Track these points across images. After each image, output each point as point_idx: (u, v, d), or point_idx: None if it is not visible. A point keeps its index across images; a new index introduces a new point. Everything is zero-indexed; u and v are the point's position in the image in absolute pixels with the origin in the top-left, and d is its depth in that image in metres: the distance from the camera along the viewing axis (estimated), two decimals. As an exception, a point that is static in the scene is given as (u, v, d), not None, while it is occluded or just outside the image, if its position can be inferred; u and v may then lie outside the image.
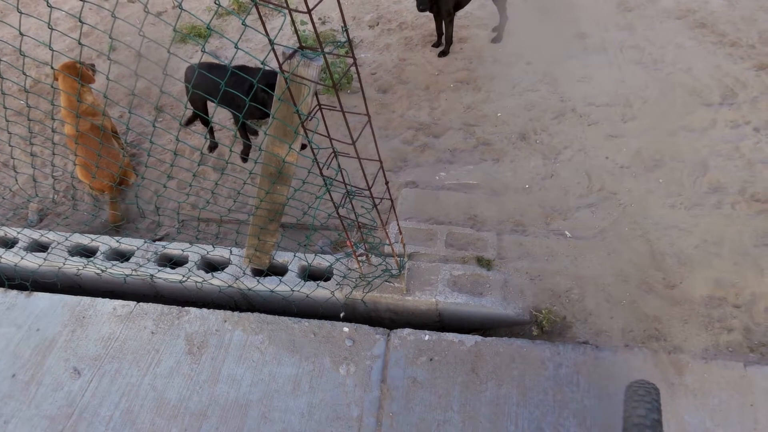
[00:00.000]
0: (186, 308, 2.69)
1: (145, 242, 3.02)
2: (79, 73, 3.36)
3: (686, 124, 3.43)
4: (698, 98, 3.60)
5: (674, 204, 2.97)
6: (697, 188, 3.04)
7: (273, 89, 1.93)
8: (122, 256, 3.01)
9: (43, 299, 2.82)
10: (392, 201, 2.27)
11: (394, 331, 2.48)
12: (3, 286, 2.92)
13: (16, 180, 3.32)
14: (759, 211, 2.86)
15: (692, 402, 2.12)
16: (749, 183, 3.00)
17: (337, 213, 2.19)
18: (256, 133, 3.91)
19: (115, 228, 3.46)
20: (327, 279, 2.71)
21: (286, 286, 2.66)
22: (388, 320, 2.77)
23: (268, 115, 3.12)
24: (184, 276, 2.78)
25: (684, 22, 4.27)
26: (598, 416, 2.13)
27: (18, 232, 3.15)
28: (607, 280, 2.64)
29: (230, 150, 2.19)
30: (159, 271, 2.83)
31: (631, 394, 1.69)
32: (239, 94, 2.10)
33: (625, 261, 2.71)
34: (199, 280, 2.77)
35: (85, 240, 3.06)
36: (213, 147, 3.83)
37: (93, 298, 2.79)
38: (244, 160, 3.74)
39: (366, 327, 2.51)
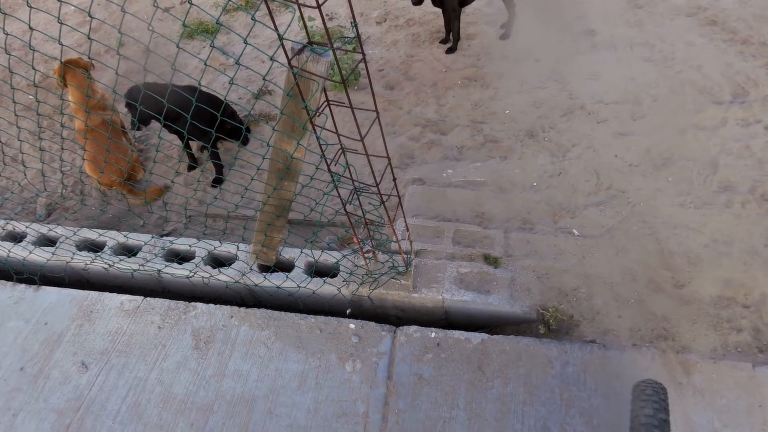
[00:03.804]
0: (193, 303, 2.70)
1: (152, 237, 3.03)
2: (89, 68, 3.37)
3: (696, 122, 3.40)
4: (709, 96, 3.57)
5: (683, 203, 2.94)
6: (707, 187, 3.01)
7: None
8: (130, 251, 3.02)
9: (51, 293, 2.83)
10: (399, 198, 2.27)
11: (401, 328, 2.48)
12: (11, 280, 2.94)
13: (25, 174, 3.34)
14: (770, 210, 2.84)
15: (700, 402, 2.11)
16: (760, 182, 2.97)
17: (345, 209, 2.19)
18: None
19: (149, 206, 3.53)
20: (333, 275, 2.71)
21: (293, 282, 2.66)
22: (394, 317, 2.77)
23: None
24: (191, 271, 2.79)
25: (695, 20, 4.23)
26: (605, 415, 2.12)
27: (26, 227, 3.17)
28: (615, 279, 2.62)
29: (238, 146, 2.19)
30: (166, 266, 2.84)
31: (638, 394, 1.67)
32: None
33: (634, 260, 2.69)
34: (206, 275, 2.78)
35: (93, 235, 3.08)
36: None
37: (100, 293, 2.80)
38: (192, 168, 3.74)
39: (372, 324, 2.51)
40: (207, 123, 3.02)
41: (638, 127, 3.45)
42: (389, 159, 2.04)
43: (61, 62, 2.46)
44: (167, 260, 2.90)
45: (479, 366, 2.30)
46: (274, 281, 2.70)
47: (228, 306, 2.67)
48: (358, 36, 1.53)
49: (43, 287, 2.87)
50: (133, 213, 3.53)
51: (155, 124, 3.78)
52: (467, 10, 4.64)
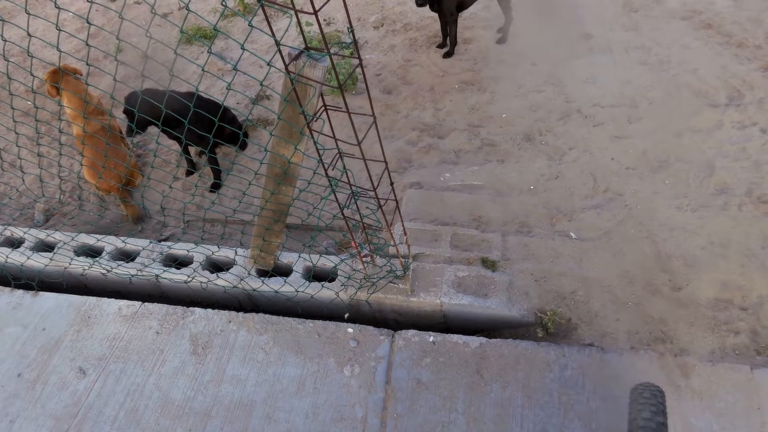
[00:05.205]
0: (191, 308, 2.70)
1: (150, 242, 3.03)
2: (87, 75, 3.37)
3: (692, 125, 3.42)
4: (704, 99, 3.59)
5: (680, 205, 2.95)
6: (704, 189, 3.02)
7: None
8: (128, 257, 3.02)
9: (48, 299, 2.83)
10: (397, 202, 2.27)
11: (399, 332, 2.48)
12: (9, 286, 2.93)
13: (23, 180, 3.34)
14: (766, 212, 2.84)
15: (698, 405, 2.11)
16: (756, 184, 2.99)
17: (342, 214, 2.19)
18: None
19: (137, 222, 3.49)
20: (332, 280, 2.71)
21: (291, 287, 2.66)
22: (392, 321, 2.77)
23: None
24: (189, 276, 2.79)
25: (690, 23, 4.26)
26: (603, 419, 2.12)
27: (24, 232, 3.17)
28: (612, 282, 2.62)
29: (236, 151, 2.20)
30: (164, 271, 2.83)
31: (636, 397, 1.67)
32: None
33: (631, 262, 2.70)
34: (204, 280, 2.77)
35: (90, 240, 3.08)
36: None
37: (98, 298, 2.80)
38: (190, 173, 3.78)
39: (370, 328, 2.51)
40: (206, 128, 3.03)
41: (634, 130, 3.46)
42: (386, 163, 2.05)
43: (59, 68, 2.46)
44: (165, 265, 2.90)
45: (477, 370, 2.30)
46: (272, 286, 2.70)
47: (226, 311, 2.67)
48: (355, 41, 1.54)
49: (41, 293, 2.86)
50: (130, 220, 3.53)
51: (153, 129, 3.79)
52: (464, 14, 4.67)
